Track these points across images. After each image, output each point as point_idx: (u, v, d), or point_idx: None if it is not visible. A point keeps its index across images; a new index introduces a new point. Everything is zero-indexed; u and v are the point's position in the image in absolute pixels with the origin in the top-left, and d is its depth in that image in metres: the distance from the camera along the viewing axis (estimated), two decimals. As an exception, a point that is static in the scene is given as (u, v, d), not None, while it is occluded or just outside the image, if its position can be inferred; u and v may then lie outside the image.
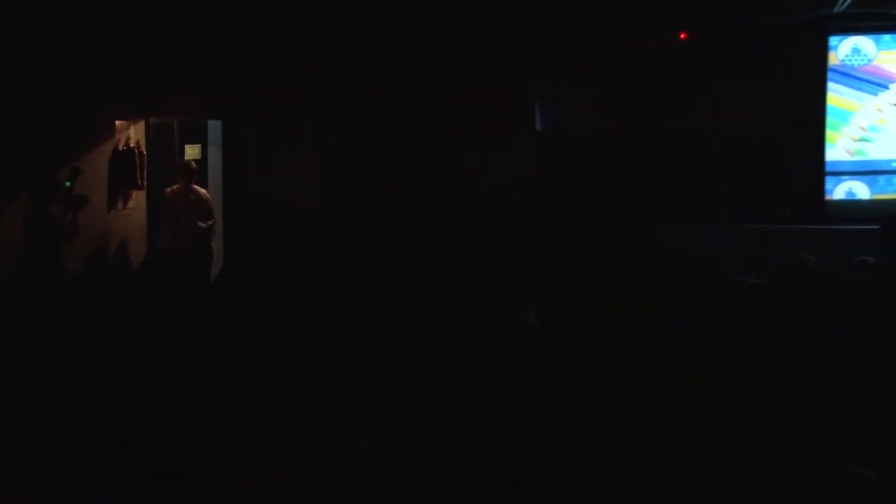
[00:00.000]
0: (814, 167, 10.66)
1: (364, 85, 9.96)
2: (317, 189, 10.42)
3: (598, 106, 10.37)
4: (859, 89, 10.68)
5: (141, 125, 9.31)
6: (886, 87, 10.68)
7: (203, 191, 9.32)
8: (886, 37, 10.67)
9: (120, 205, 9.06)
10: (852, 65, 10.69)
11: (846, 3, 9.67)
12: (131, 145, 9.08)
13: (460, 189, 10.07)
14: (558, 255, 8.56)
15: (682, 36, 10.25)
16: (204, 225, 9.03)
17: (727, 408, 4.18)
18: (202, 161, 10.16)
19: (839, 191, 10.84)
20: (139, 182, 9.16)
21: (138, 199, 9.31)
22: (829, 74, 10.62)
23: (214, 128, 10.36)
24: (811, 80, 10.58)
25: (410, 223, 9.84)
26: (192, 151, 10.18)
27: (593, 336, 5.38)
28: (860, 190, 10.78)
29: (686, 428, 3.80)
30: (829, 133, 10.78)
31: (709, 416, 4.02)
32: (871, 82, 10.65)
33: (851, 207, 10.60)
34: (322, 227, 9.96)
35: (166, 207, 9.01)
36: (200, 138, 10.27)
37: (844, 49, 10.69)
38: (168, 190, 9.08)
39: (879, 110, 10.65)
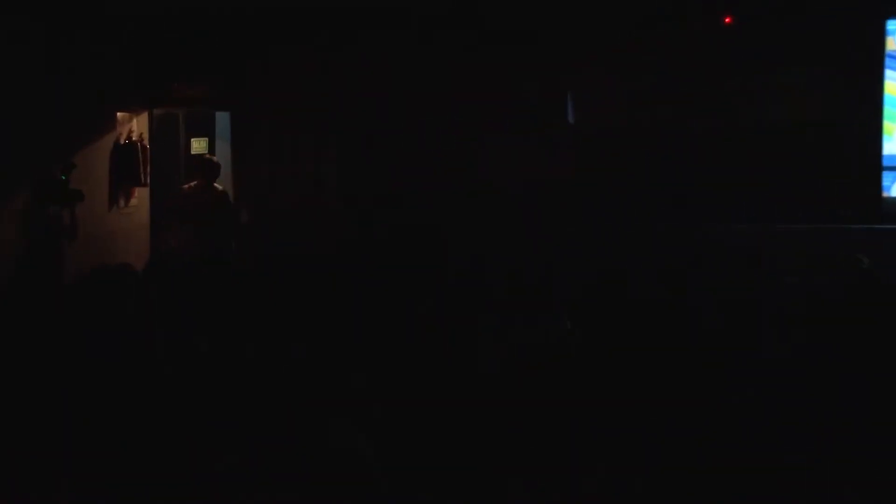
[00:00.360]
0: (870, 161, 10.29)
1: (385, 76, 9.78)
2: (333, 185, 10.24)
3: (635, 96, 10.09)
4: (921, 76, 10.43)
5: (144, 117, 9.20)
6: (950, 74, 10.40)
7: (222, 188, 9.10)
8: (949, 19, 10.39)
9: (121, 203, 8.91)
10: (913, 50, 10.42)
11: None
12: (133, 139, 8.94)
13: (486, 186, 9.89)
14: (595, 256, 8.36)
15: (728, 20, 9.89)
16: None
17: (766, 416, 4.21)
18: (198, 156, 9.99)
19: (899, 187, 10.51)
20: (142, 178, 8.99)
21: (141, 196, 9.17)
22: (887, 61, 10.22)
23: (223, 120, 10.26)
24: (867, 67, 10.21)
25: (433, 222, 9.62)
26: (198, 145, 10.10)
27: (630, 342, 5.23)
28: (922, 186, 10.52)
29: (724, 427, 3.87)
30: (887, 125, 10.38)
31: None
32: (934, 69, 10.41)
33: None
34: (339, 226, 9.85)
35: (179, 206, 8.79)
36: (208, 131, 10.21)
37: (904, 33, 10.40)
38: (185, 186, 8.87)
39: (943, 99, 10.41)
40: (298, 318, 5.59)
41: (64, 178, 7.71)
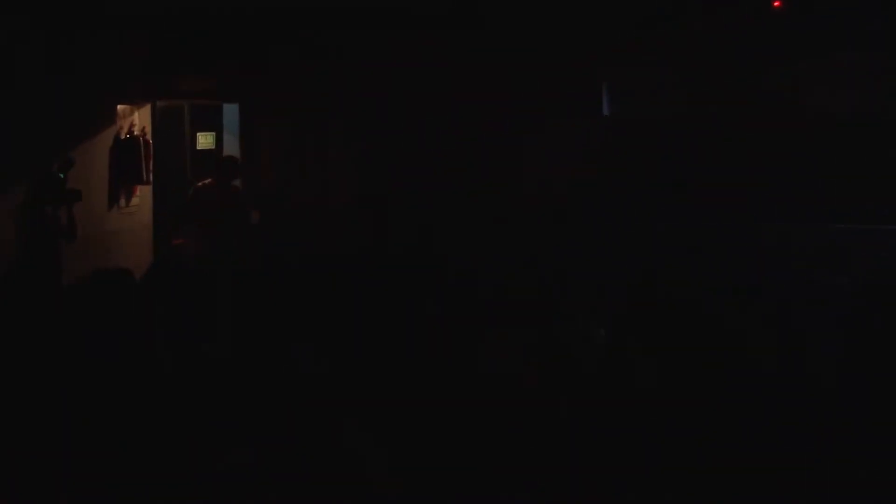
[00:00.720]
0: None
1: (407, 71, 9.66)
2: (353, 183, 10.17)
3: (678, 85, 9.78)
4: None
5: (146, 110, 9.01)
6: None
7: (239, 188, 9.06)
8: None
9: (122, 201, 8.74)
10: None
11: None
12: (135, 133, 8.78)
13: (516, 184, 9.77)
14: (636, 256, 8.21)
15: (777, 4, 9.45)
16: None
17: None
18: (217, 151, 9.92)
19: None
20: (144, 176, 8.80)
21: (143, 195, 8.97)
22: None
23: (231, 113, 10.16)
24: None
25: (457, 223, 9.42)
26: (205, 140, 9.91)
27: (672, 356, 5.10)
28: None
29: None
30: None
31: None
32: None
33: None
34: (356, 228, 9.68)
35: (193, 204, 8.64)
36: (215, 125, 10.03)
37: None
38: (199, 184, 8.73)
39: None
40: (309, 322, 5.62)
41: (62, 175, 7.61)
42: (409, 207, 9.68)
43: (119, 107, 8.62)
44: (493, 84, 9.68)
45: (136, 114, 8.83)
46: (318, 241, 9.15)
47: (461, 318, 5.81)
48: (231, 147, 9.94)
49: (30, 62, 7.61)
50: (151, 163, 8.84)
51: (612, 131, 9.91)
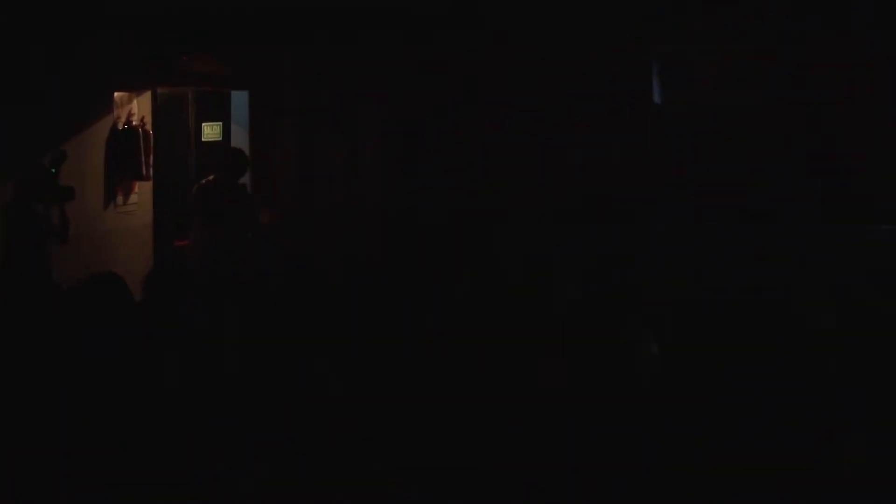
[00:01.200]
0: None
1: (443, 57, 9.42)
2: (376, 179, 9.96)
3: (740, 67, 9.13)
4: None
5: (146, 97, 8.83)
6: None
7: (246, 186, 9.05)
8: None
9: (119, 199, 8.58)
10: None
11: None
12: (134, 123, 8.62)
13: (559, 180, 9.36)
14: (690, 261, 7.99)
15: None
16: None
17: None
18: (224, 143, 9.77)
19: None
20: (144, 170, 8.61)
21: (143, 191, 8.79)
22: None
23: (239, 99, 10.02)
24: None
25: (496, 226, 9.21)
26: (211, 131, 9.76)
27: (735, 373, 4.75)
28: None
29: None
30: None
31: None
32: None
33: None
34: (380, 230, 9.63)
35: (198, 202, 8.50)
36: (222, 114, 9.87)
37: None
38: (203, 181, 8.60)
39: None
40: (321, 334, 5.44)
41: (53, 170, 7.47)
42: (440, 210, 9.58)
43: (116, 94, 8.52)
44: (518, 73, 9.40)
45: (136, 102, 8.72)
46: (336, 247, 9.01)
47: (496, 328, 5.63)
48: (240, 139, 9.90)
49: (17, 44, 7.61)
50: (152, 156, 8.71)
51: (664, 121, 9.48)
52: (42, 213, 7.31)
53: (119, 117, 8.47)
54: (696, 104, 9.36)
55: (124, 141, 8.46)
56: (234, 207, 8.46)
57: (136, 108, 8.66)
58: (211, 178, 8.54)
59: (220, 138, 9.73)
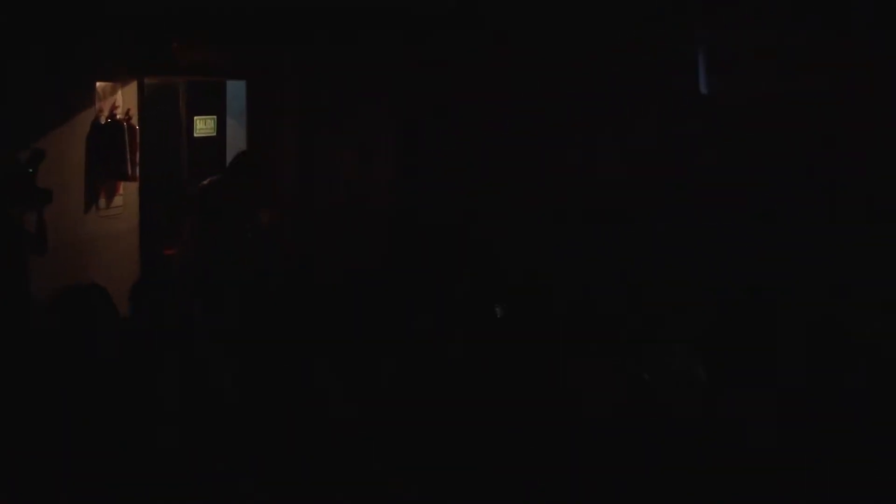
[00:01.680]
0: None
1: (464, 46, 9.25)
2: (376, 179, 9.83)
3: (794, 53, 8.68)
4: None
5: (132, 88, 8.49)
6: None
7: (246, 186, 8.97)
8: None
9: (102, 202, 8.27)
10: None
11: None
12: (118, 117, 8.29)
13: (590, 184, 9.14)
14: (742, 278, 7.59)
15: None
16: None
17: None
18: (218, 139, 9.59)
19: None
20: (129, 170, 8.31)
21: (128, 193, 8.50)
22: None
23: (235, 90, 9.67)
24: None
25: (519, 231, 9.05)
26: (204, 126, 9.62)
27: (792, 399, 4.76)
28: None
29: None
30: None
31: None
32: None
33: None
34: (380, 230, 9.52)
35: (198, 202, 8.47)
36: (216, 107, 9.68)
37: None
38: (205, 182, 8.57)
39: None
40: (321, 334, 5.63)
41: (30, 171, 7.16)
42: (463, 214, 9.47)
43: (98, 84, 8.11)
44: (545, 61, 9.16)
45: (120, 93, 8.33)
46: (340, 251, 9.00)
47: (495, 328, 5.81)
48: (236, 135, 9.62)
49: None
50: (138, 154, 8.35)
51: (712, 114, 9.14)
52: (16, 220, 6.98)
53: (101, 110, 8.10)
54: (748, 94, 8.94)
55: (107, 136, 8.10)
56: (234, 210, 8.36)
57: (121, 100, 8.30)
58: (215, 178, 8.50)
59: (215, 133, 9.60)
